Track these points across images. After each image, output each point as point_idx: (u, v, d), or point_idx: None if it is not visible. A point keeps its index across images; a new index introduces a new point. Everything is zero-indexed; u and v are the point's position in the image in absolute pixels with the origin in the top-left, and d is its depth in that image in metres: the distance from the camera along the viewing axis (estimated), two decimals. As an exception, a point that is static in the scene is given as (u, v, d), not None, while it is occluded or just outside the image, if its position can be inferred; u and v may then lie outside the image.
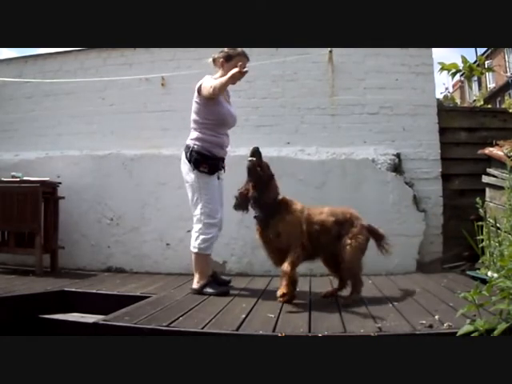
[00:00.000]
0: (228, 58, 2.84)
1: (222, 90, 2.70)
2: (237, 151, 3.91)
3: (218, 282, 2.95)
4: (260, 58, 3.97)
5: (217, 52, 2.90)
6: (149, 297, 2.75)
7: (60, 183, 4.03)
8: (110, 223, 4.06)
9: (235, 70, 2.55)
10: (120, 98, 4.28)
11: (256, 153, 2.58)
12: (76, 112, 4.34)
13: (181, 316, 2.16)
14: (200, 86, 2.79)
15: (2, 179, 3.91)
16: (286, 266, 2.45)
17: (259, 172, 2.57)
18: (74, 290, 3.04)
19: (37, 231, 3.72)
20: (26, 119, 4.46)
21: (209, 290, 2.78)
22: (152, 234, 3.95)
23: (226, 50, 2.86)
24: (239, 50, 2.86)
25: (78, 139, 4.27)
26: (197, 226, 2.81)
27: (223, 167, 2.94)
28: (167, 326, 1.98)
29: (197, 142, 2.80)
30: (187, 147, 2.84)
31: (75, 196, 4.08)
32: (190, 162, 2.80)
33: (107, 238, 4.05)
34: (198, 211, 2.80)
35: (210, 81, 2.75)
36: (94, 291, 3.00)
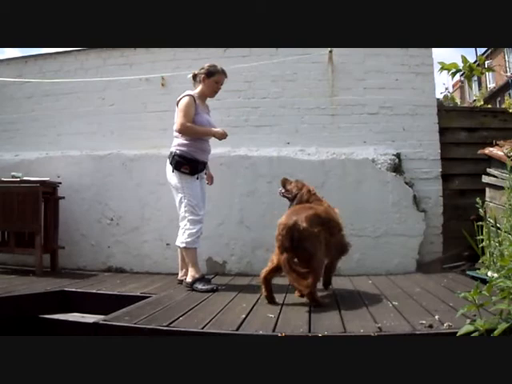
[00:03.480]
0: (209, 75, 3.06)
1: (191, 135, 2.96)
2: (237, 151, 3.93)
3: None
4: (260, 58, 3.97)
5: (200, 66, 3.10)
6: (149, 297, 2.75)
7: (60, 183, 4.04)
8: (110, 223, 4.06)
9: (220, 133, 2.92)
10: (120, 98, 4.28)
11: None
12: (76, 112, 4.34)
13: (181, 316, 2.16)
14: (180, 100, 2.98)
15: (2, 179, 3.91)
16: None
17: None
18: (74, 289, 3.03)
19: (37, 231, 3.72)
20: (26, 119, 4.46)
21: (198, 286, 2.90)
22: (152, 233, 3.95)
23: (206, 66, 3.07)
24: (219, 67, 3.08)
25: (78, 139, 4.27)
26: (182, 223, 2.98)
27: (205, 170, 3.14)
28: (167, 326, 1.98)
29: (179, 147, 3.00)
30: (170, 153, 3.03)
31: (75, 196, 4.08)
32: (171, 164, 2.98)
33: (107, 237, 4.05)
34: (182, 209, 2.97)
35: (188, 114, 2.93)
36: (94, 291, 3.00)
